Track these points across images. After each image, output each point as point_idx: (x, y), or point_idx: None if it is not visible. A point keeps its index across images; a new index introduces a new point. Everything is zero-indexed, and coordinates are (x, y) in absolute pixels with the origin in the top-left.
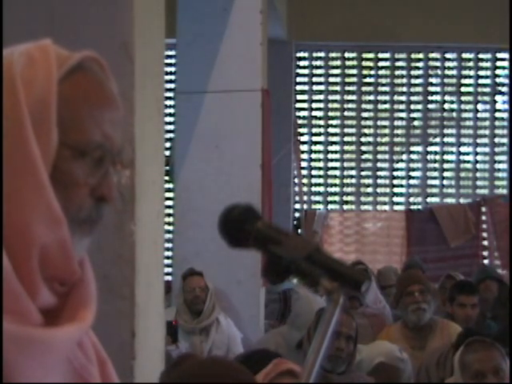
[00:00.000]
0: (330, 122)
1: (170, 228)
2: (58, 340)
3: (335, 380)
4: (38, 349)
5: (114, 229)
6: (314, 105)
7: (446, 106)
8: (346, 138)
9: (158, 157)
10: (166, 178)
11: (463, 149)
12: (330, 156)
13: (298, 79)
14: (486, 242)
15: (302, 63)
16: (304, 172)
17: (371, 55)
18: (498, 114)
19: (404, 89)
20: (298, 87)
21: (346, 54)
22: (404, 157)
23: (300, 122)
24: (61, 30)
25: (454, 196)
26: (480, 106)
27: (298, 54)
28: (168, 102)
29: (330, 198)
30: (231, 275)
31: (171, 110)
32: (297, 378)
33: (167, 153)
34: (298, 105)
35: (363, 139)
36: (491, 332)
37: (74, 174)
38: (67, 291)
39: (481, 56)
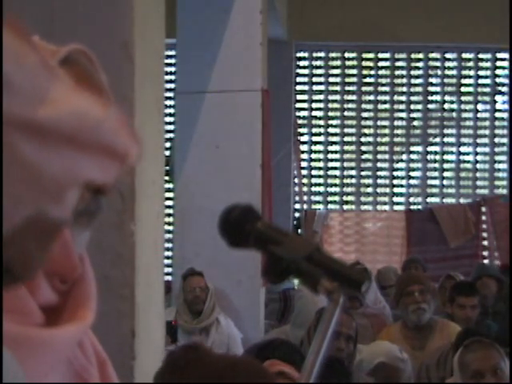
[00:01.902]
0: (330, 122)
1: (170, 228)
2: (59, 340)
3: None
4: (38, 349)
5: (114, 229)
6: (314, 105)
7: (446, 106)
8: (346, 138)
9: (157, 157)
10: (166, 177)
11: (463, 149)
12: (330, 156)
13: (298, 79)
14: (486, 242)
15: (301, 63)
16: (304, 172)
17: (371, 55)
18: (498, 114)
19: (404, 89)
20: (298, 87)
21: (346, 54)
22: (404, 157)
23: (300, 122)
24: (61, 29)
25: (454, 196)
26: (480, 106)
27: (298, 54)
28: (168, 102)
29: (330, 198)
30: (231, 275)
31: (171, 110)
32: (289, 379)
33: (167, 153)
34: (298, 105)
35: (363, 139)
36: (491, 332)
37: None
38: (68, 289)
39: (481, 56)
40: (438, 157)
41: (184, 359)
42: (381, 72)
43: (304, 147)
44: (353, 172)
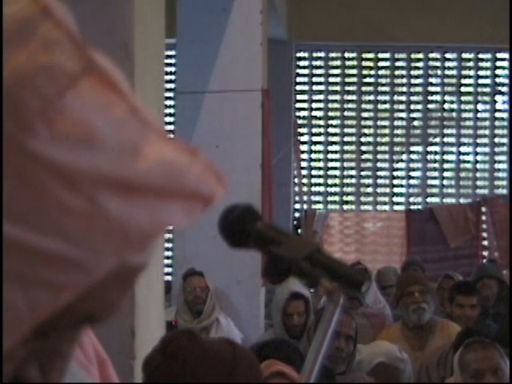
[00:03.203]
0: (330, 122)
1: (170, 228)
2: None
3: (335, 380)
4: None
5: None
6: (314, 105)
7: (446, 106)
8: (346, 138)
9: None
10: None
11: (463, 149)
12: (330, 156)
13: (298, 79)
14: (486, 242)
15: (302, 63)
16: (304, 172)
17: (371, 55)
18: (498, 114)
19: (404, 89)
20: (298, 87)
21: (346, 54)
22: (404, 157)
23: (300, 122)
24: None
25: (454, 196)
26: (480, 106)
27: (298, 54)
28: (168, 102)
29: (330, 198)
30: (231, 275)
31: (171, 110)
32: (287, 379)
33: None
34: (298, 105)
35: (363, 139)
36: (491, 332)
37: None
38: None
39: (481, 56)
40: (438, 157)
41: (179, 345)
42: (381, 72)
43: (304, 147)
44: (353, 172)
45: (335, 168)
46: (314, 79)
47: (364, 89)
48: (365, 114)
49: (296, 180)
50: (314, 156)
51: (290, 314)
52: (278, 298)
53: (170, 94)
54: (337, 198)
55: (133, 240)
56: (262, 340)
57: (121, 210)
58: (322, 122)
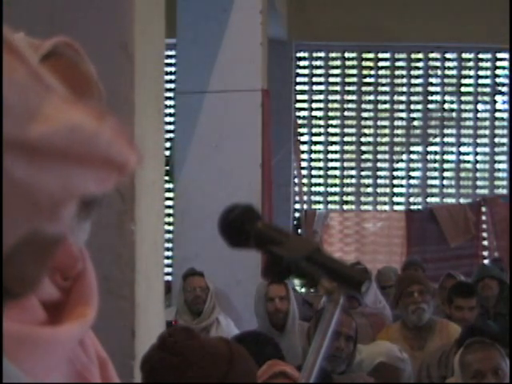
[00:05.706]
0: (330, 122)
1: (170, 228)
2: (60, 339)
3: (335, 380)
4: (39, 348)
5: (114, 229)
6: (314, 105)
7: (446, 106)
8: (346, 138)
9: (157, 157)
10: (166, 177)
11: (463, 149)
12: (330, 156)
13: (298, 79)
14: (486, 242)
15: (302, 63)
16: (304, 172)
17: (371, 55)
18: (498, 114)
19: (404, 89)
20: (298, 87)
21: (346, 54)
22: (404, 157)
23: (300, 122)
24: (61, 29)
25: (454, 196)
26: (480, 106)
27: (298, 54)
28: (168, 102)
29: (330, 198)
30: (231, 275)
31: (171, 110)
32: (290, 379)
33: (167, 153)
34: (298, 105)
35: (363, 139)
36: (492, 332)
37: None
38: (69, 286)
39: (481, 56)
40: (438, 157)
41: (177, 340)
42: (381, 72)
43: (304, 147)
44: (353, 172)
45: (335, 168)
46: (314, 79)
47: (364, 89)
48: (365, 114)
49: (296, 180)
50: (314, 156)
51: (272, 298)
52: (260, 287)
53: (170, 94)
54: (337, 198)
55: (43, 206)
56: (239, 333)
57: (26, 174)
58: (322, 122)
